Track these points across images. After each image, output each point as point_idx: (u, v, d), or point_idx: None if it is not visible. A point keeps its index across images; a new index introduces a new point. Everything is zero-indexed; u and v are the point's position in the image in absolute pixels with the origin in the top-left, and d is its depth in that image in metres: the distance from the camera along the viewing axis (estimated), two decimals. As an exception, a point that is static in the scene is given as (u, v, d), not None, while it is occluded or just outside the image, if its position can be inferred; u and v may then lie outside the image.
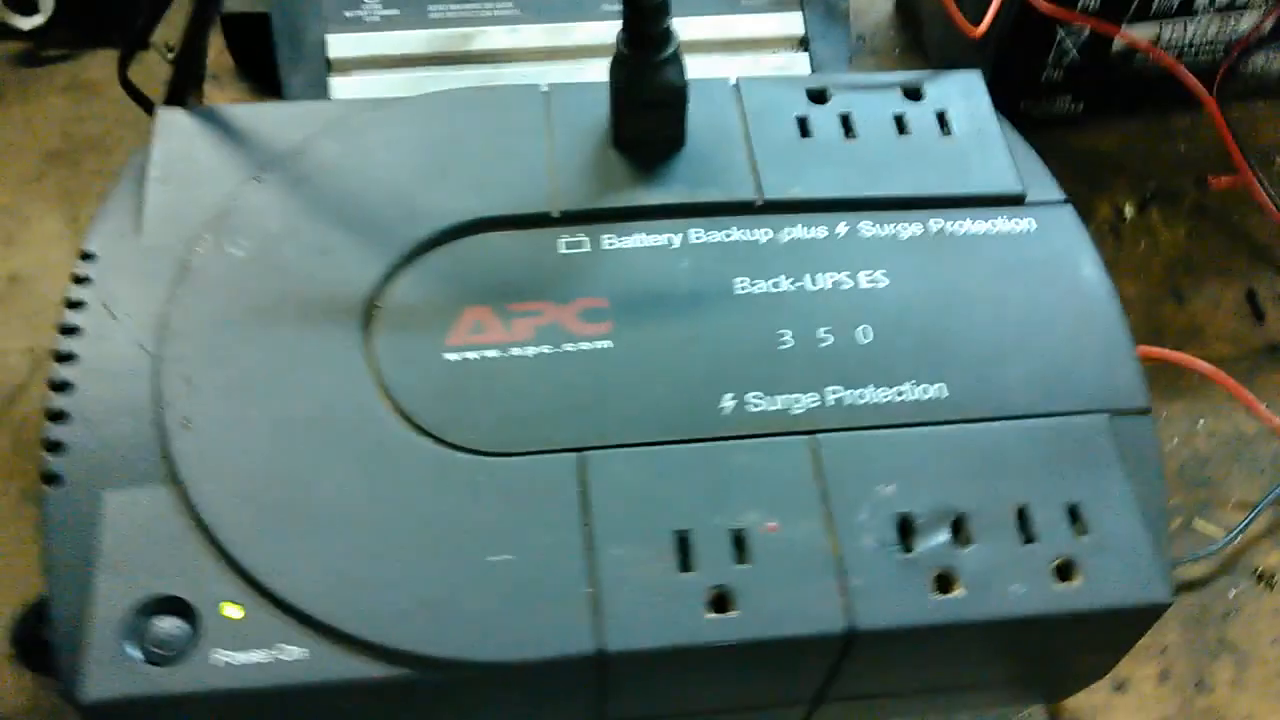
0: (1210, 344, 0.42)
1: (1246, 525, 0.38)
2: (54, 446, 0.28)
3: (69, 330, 0.30)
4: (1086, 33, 0.43)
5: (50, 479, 0.28)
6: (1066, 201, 0.34)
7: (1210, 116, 0.44)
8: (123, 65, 0.52)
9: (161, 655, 0.26)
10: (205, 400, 0.29)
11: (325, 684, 0.26)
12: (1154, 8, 0.43)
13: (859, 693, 0.30)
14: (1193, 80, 0.42)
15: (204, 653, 0.26)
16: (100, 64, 0.78)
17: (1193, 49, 0.45)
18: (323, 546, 0.27)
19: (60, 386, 0.29)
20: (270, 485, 0.28)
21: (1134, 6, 0.42)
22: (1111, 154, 0.47)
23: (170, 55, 0.55)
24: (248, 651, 0.26)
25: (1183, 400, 0.41)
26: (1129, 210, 0.45)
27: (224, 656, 0.26)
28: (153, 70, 0.53)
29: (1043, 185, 0.35)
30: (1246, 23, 0.44)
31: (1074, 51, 0.44)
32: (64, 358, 0.30)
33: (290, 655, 0.26)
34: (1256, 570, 0.37)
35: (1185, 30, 0.44)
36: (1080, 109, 0.47)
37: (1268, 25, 0.44)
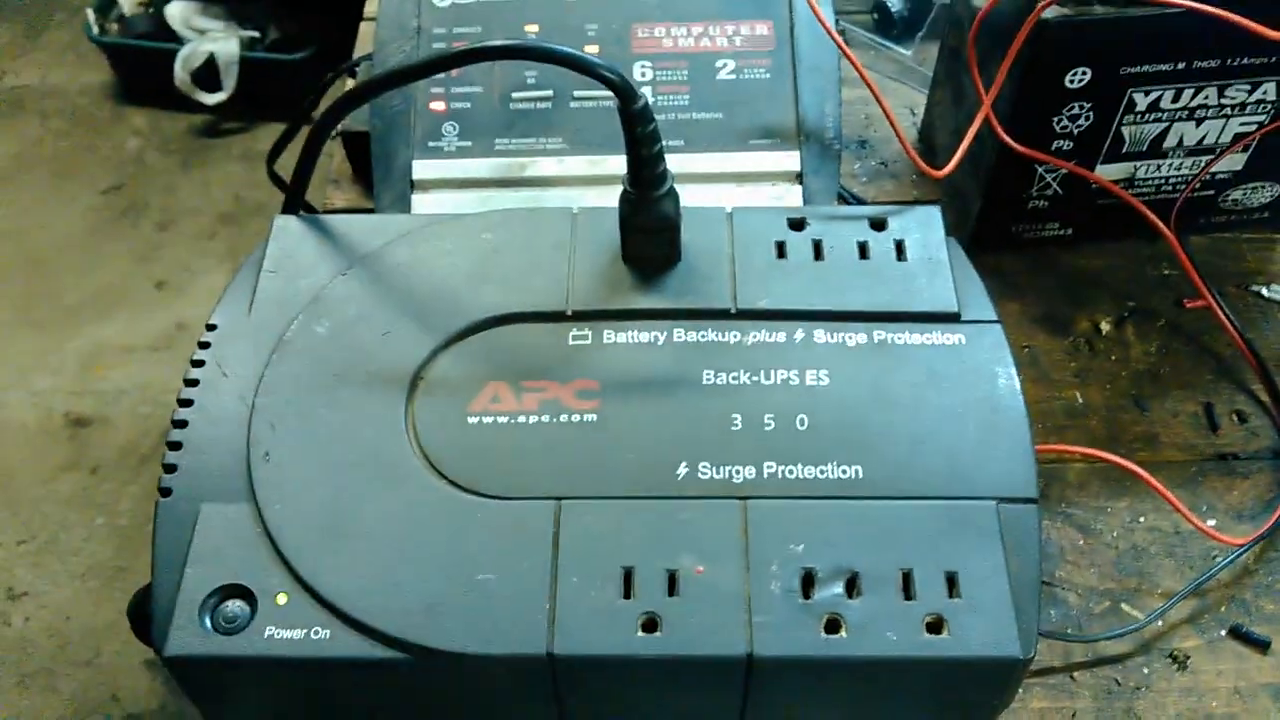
0: (1163, 450, 0.47)
1: (1165, 610, 0.42)
2: (169, 468, 0.38)
3: (190, 382, 0.40)
4: (1064, 169, 0.49)
5: (164, 492, 0.38)
6: (997, 322, 0.40)
7: (1186, 243, 0.49)
8: (271, 158, 0.63)
9: (227, 627, 0.35)
10: (283, 441, 0.38)
11: (342, 659, 0.34)
12: (1124, 149, 0.48)
13: (773, 716, 0.37)
14: (1151, 216, 0.47)
15: (258, 628, 0.35)
16: (269, 137, 0.89)
17: (1169, 185, 0.50)
18: (354, 558, 0.36)
19: (179, 424, 0.39)
20: (322, 508, 0.37)
21: (1105, 149, 0.48)
22: (1097, 274, 0.53)
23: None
24: (289, 630, 0.35)
25: (1128, 498, 0.46)
26: (1105, 325, 0.51)
27: (271, 632, 0.34)
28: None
29: (979, 306, 0.41)
30: (1221, 162, 0.50)
31: (1055, 184, 0.50)
32: (184, 402, 0.40)
33: (319, 635, 0.34)
34: (1171, 652, 0.42)
35: (1159, 169, 0.50)
36: (1069, 233, 0.53)
37: (1212, 169, 0.49)
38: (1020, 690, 0.41)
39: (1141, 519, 0.45)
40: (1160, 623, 0.43)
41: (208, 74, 1.55)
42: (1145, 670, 0.42)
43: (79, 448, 1.38)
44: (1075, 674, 0.42)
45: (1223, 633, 0.42)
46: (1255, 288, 0.52)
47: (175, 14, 1.58)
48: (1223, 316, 0.48)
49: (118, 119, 1.83)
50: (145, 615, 0.40)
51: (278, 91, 1.57)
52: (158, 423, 1.38)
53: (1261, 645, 0.42)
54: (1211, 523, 0.45)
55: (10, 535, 1.35)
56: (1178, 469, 0.47)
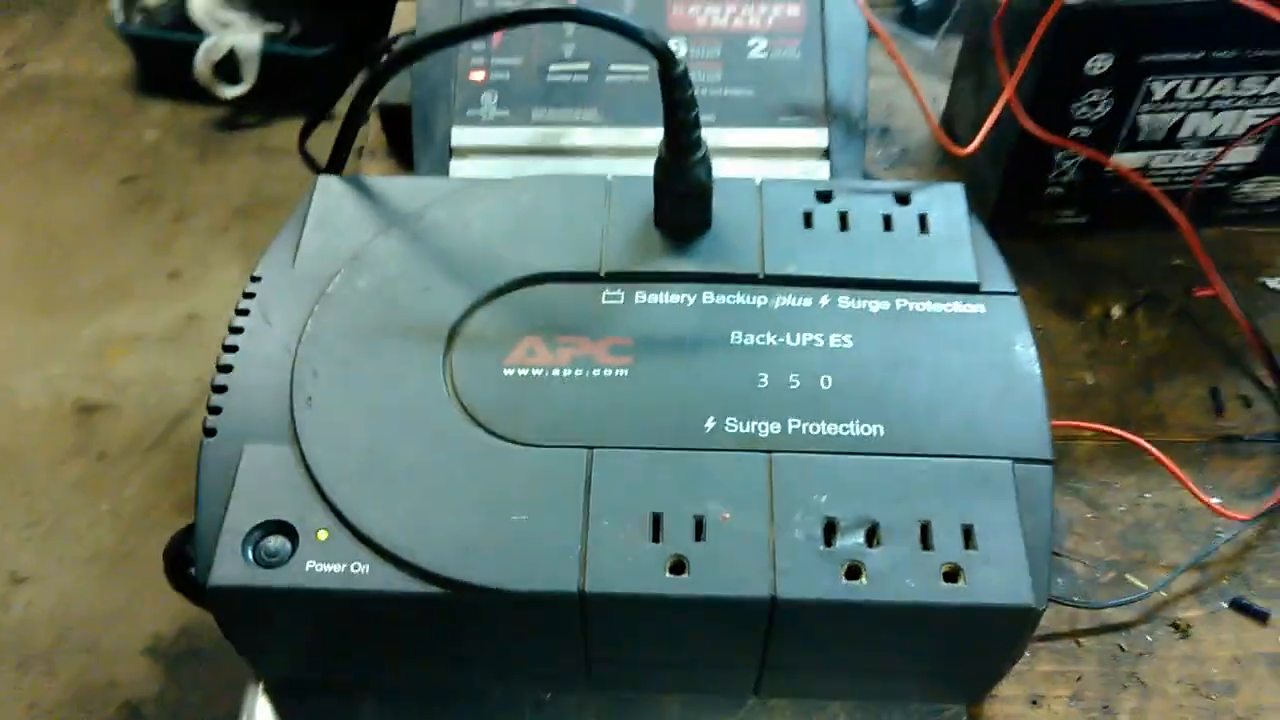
0: (1170, 430, 0.49)
1: (1169, 581, 0.44)
2: (214, 410, 0.40)
3: (235, 330, 0.41)
4: (1082, 156, 0.51)
5: (209, 432, 0.39)
6: (1014, 293, 0.42)
7: (1199, 234, 0.50)
8: (303, 137, 0.65)
9: (269, 561, 0.36)
10: (325, 387, 0.40)
11: (379, 593, 0.35)
12: (1140, 138, 0.50)
13: (792, 663, 0.38)
14: (1167, 203, 0.49)
15: (300, 562, 0.36)
16: (287, 132, 0.90)
17: (1183, 176, 0.52)
18: (393, 498, 0.37)
19: (224, 368, 0.40)
20: (362, 452, 0.38)
21: (1122, 137, 0.50)
22: (1111, 262, 0.54)
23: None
24: (329, 564, 0.36)
25: (1135, 474, 0.47)
26: (1116, 311, 0.52)
27: (312, 566, 0.36)
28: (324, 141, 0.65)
29: (999, 279, 0.42)
30: (1233, 153, 0.51)
31: (1072, 171, 0.51)
32: (229, 349, 0.41)
33: (358, 570, 0.36)
34: (1174, 621, 0.43)
35: (1173, 159, 0.51)
36: (1085, 221, 0.54)
37: (1225, 161, 0.51)
38: (1027, 654, 0.42)
39: (1148, 495, 0.47)
40: (1164, 593, 0.44)
41: (228, 67, 1.57)
42: (1149, 638, 0.43)
43: (87, 434, 1.39)
44: (1081, 640, 0.43)
45: (1224, 604, 0.44)
46: (1262, 279, 0.53)
47: (198, 6, 1.60)
48: (1232, 304, 0.50)
49: (137, 109, 1.84)
50: (182, 557, 0.42)
51: (298, 86, 1.59)
52: (165, 412, 1.39)
53: (1261, 617, 0.43)
54: (1216, 500, 0.46)
55: (16, 518, 1.36)
56: (1184, 449, 0.48)
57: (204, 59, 1.57)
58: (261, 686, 0.43)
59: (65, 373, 1.46)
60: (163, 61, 1.73)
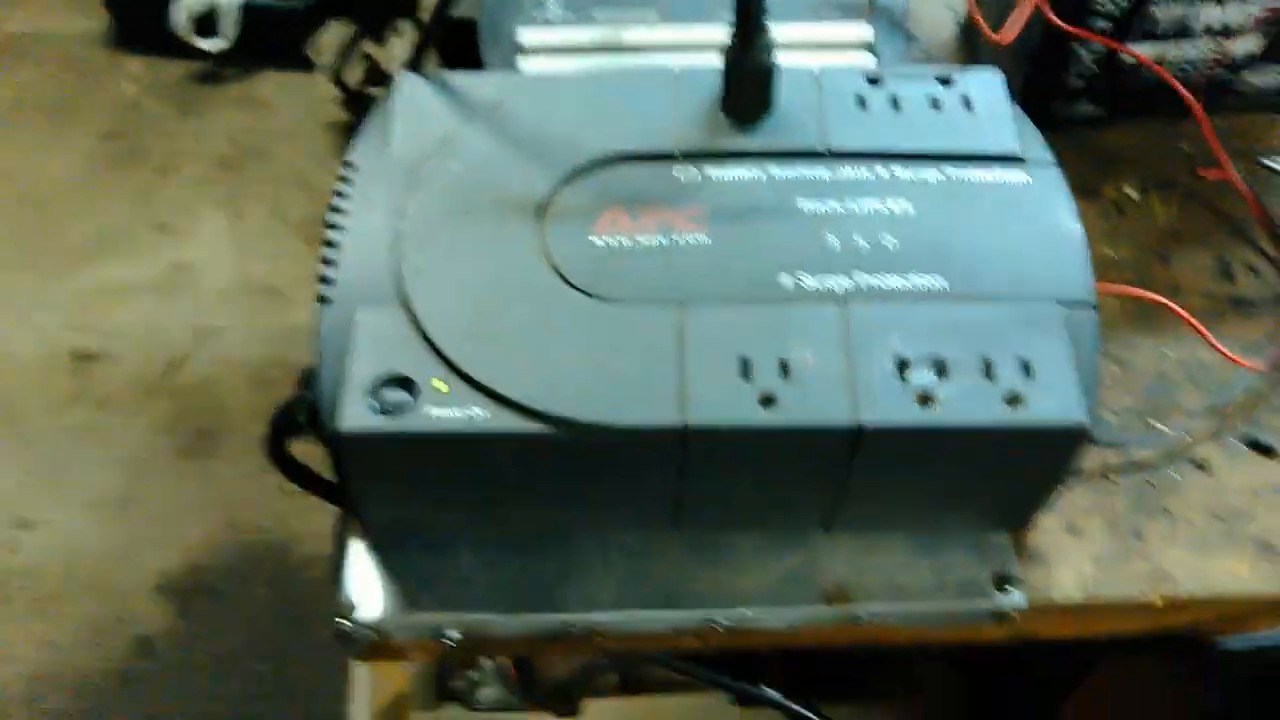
0: (1186, 296, 0.53)
1: (1190, 425, 0.48)
2: (326, 280, 0.43)
3: (336, 209, 0.45)
4: (1100, 48, 0.55)
5: (323, 300, 0.42)
6: (1054, 164, 0.46)
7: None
8: (338, 71, 0.68)
9: (392, 409, 0.40)
10: (429, 256, 0.43)
11: (499, 434, 0.39)
12: (1156, 30, 0.54)
13: (864, 494, 0.42)
14: (1182, 90, 0.53)
15: (420, 409, 0.39)
16: (268, 83, 0.90)
17: (1192, 65, 0.56)
18: (502, 352, 0.41)
19: (331, 243, 0.44)
20: (469, 311, 0.42)
21: (1138, 30, 0.54)
22: (1125, 148, 0.58)
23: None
24: (448, 410, 0.39)
25: (1155, 334, 0.52)
26: (1132, 192, 0.57)
27: (432, 412, 0.39)
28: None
29: (1039, 152, 0.46)
30: (1238, 44, 0.55)
31: (1090, 64, 0.55)
32: (333, 225, 0.44)
33: (477, 414, 0.39)
34: (1196, 460, 0.48)
35: (1183, 49, 0.55)
36: (1101, 111, 0.58)
37: (1231, 51, 0.55)
38: (1066, 490, 0.47)
39: (1168, 351, 0.51)
40: (1187, 436, 0.49)
41: (205, 21, 1.56)
42: (1174, 475, 0.48)
43: (84, 381, 1.40)
44: (1112, 477, 0.48)
45: (1240, 444, 0.48)
46: (1261, 159, 0.58)
47: (176, -39, 1.58)
48: (1239, 181, 0.54)
49: (113, 66, 1.84)
50: (286, 428, 0.44)
51: (276, 39, 1.59)
52: (161, 359, 1.40)
53: (1271, 452, 0.48)
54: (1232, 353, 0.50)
55: (19, 465, 1.37)
56: (1198, 313, 0.52)
57: (185, 13, 1.56)
58: (361, 538, 0.46)
59: (59, 323, 1.46)
60: (138, 17, 1.71)
